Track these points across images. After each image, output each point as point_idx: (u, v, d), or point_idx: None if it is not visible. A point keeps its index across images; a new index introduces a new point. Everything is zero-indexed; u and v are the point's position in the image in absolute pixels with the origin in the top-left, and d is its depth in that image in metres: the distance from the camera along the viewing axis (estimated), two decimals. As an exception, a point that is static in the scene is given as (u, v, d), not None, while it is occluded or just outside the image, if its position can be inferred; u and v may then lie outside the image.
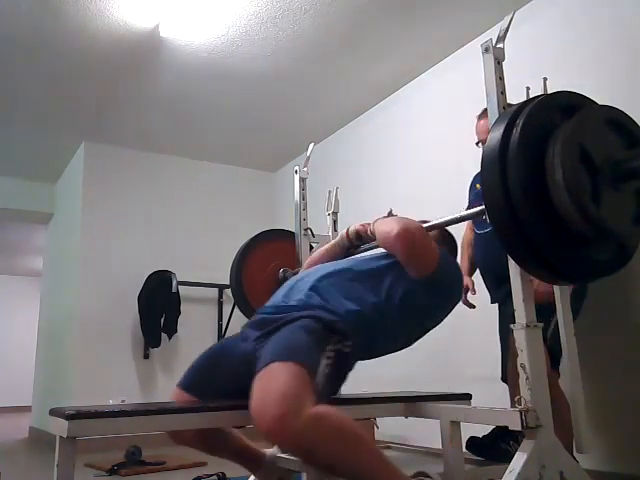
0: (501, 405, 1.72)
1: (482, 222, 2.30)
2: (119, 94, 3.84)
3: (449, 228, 1.84)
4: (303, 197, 2.66)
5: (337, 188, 2.68)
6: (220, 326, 4.67)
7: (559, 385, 1.98)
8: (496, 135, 1.36)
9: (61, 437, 1.27)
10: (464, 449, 1.79)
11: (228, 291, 4.42)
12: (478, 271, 2.53)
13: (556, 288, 1.75)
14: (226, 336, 4.20)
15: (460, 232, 2.54)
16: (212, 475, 2.55)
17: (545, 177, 1.30)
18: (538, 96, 1.49)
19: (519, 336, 1.41)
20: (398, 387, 2.58)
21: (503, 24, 1.57)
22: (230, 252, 2.82)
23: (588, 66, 2.58)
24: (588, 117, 1.37)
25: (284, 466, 1.71)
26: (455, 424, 1.65)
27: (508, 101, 1.55)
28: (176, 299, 4.39)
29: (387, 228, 1.66)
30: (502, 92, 1.54)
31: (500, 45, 1.57)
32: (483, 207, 1.43)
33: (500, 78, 1.55)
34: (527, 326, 1.40)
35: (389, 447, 3.34)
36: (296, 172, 2.68)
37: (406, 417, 1.78)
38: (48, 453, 1.43)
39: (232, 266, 2.73)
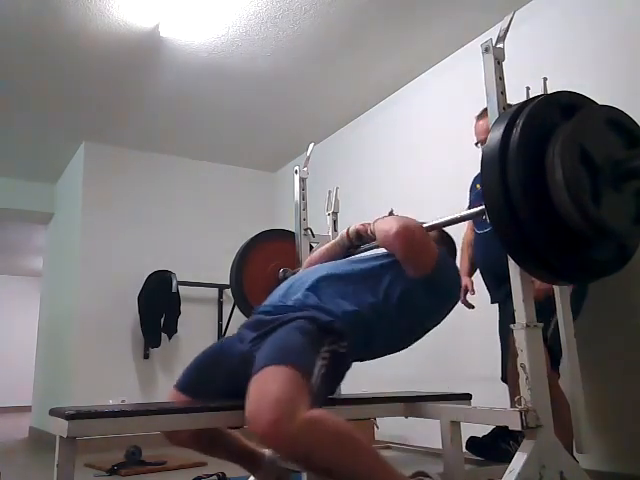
0: (501, 405, 1.72)
1: (482, 222, 2.30)
2: (119, 94, 3.84)
3: (449, 228, 1.84)
4: (303, 197, 2.66)
5: (337, 188, 2.68)
6: (220, 326, 4.67)
7: (559, 385, 1.98)
8: (496, 135, 1.36)
9: (61, 437, 1.27)
10: (464, 449, 1.79)
11: (228, 291, 4.42)
12: (478, 271, 2.53)
13: (556, 288, 1.75)
14: (225, 336, 4.20)
15: (460, 232, 2.54)
16: (212, 475, 2.55)
17: (545, 177, 1.30)
18: (538, 96, 1.49)
19: (519, 336, 1.41)
20: (398, 387, 2.58)
21: (503, 24, 1.57)
22: (230, 252, 2.82)
23: (588, 66, 2.58)
24: (588, 117, 1.37)
25: (284, 466, 1.71)
26: (455, 424, 1.65)
27: (508, 101, 1.55)
28: (176, 299, 4.39)
29: (387, 226, 1.66)
30: (502, 92, 1.54)
31: (500, 45, 1.57)
32: (483, 207, 1.43)
33: (500, 78, 1.55)
34: (527, 326, 1.40)
35: (389, 447, 3.34)
36: (296, 172, 2.68)
37: (406, 417, 1.78)
38: (48, 453, 1.43)
39: (232, 266, 2.73)
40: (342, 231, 1.94)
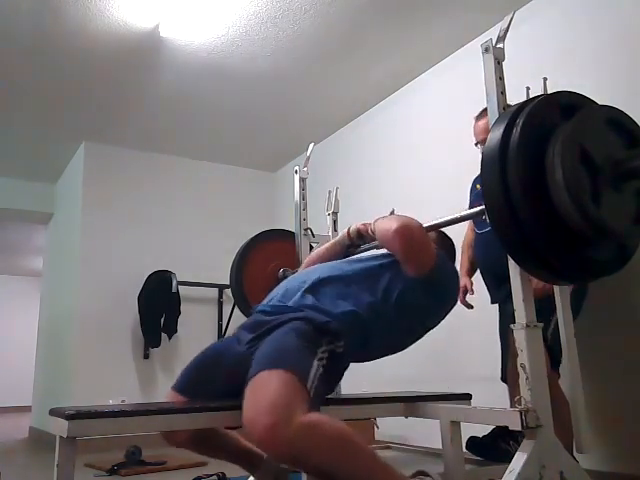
0: (501, 405, 1.72)
1: (482, 222, 2.30)
2: (119, 94, 3.84)
3: (449, 228, 1.84)
4: (303, 197, 2.66)
5: (337, 188, 2.68)
6: (220, 326, 4.67)
7: (559, 385, 1.98)
8: (496, 135, 1.36)
9: (61, 437, 1.27)
10: (464, 449, 1.79)
11: (228, 291, 4.42)
12: (478, 271, 2.53)
13: (556, 288, 1.75)
14: (224, 337, 4.20)
15: (460, 232, 2.54)
16: (212, 475, 2.55)
17: (545, 177, 1.30)
18: (538, 96, 1.49)
19: (519, 336, 1.41)
20: (398, 387, 2.58)
21: (503, 24, 1.58)
22: (230, 252, 2.82)
23: (588, 66, 2.58)
24: (588, 117, 1.38)
25: (282, 466, 1.70)
26: (455, 424, 1.65)
27: (508, 101, 1.55)
28: (176, 299, 4.39)
29: (386, 225, 1.66)
30: (502, 92, 1.54)
31: (500, 45, 1.57)
32: (483, 207, 1.43)
33: (500, 78, 1.55)
34: (527, 326, 1.40)
35: (389, 447, 3.34)
36: (296, 172, 2.68)
37: (406, 417, 1.78)
38: (48, 453, 1.43)
39: (232, 266, 2.73)
40: (343, 230, 1.95)
